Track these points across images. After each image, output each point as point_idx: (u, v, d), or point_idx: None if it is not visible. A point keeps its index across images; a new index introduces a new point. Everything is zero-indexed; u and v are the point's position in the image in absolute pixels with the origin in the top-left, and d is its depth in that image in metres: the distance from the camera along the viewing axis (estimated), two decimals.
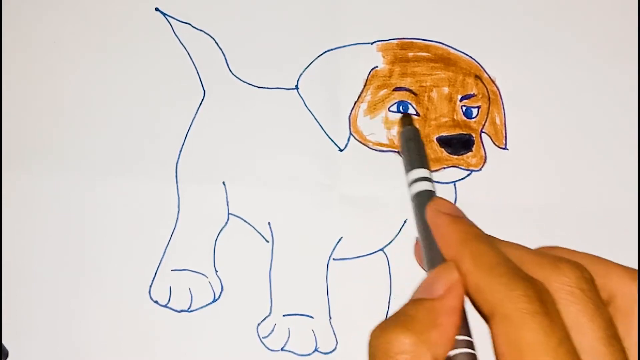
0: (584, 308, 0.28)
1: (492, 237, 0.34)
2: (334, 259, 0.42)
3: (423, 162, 0.37)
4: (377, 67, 0.43)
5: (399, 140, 0.39)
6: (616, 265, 0.31)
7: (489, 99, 0.43)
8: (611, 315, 0.29)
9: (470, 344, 0.31)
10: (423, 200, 0.34)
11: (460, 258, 0.32)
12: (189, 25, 0.45)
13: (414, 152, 0.37)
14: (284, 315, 0.42)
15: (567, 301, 0.29)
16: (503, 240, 0.34)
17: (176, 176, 0.43)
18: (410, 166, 0.36)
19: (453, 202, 0.42)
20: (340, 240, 0.42)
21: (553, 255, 0.31)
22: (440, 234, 0.33)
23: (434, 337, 0.30)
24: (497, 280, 0.29)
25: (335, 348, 0.42)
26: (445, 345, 0.30)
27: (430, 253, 0.33)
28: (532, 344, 0.27)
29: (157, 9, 0.45)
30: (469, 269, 0.31)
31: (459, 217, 0.34)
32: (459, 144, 0.41)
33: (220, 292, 0.42)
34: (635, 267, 0.33)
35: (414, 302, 0.32)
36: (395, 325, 0.30)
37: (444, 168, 0.42)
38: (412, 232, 0.43)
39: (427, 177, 0.35)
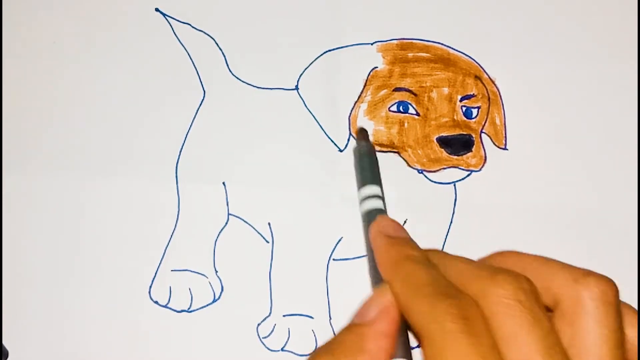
0: (521, 320, 0.28)
1: (435, 253, 0.34)
2: (334, 259, 0.42)
3: (375, 179, 0.36)
4: (377, 67, 0.43)
5: (354, 155, 0.38)
6: (563, 266, 0.31)
7: (488, 99, 0.43)
8: (552, 325, 0.28)
9: None
10: (371, 218, 0.34)
11: (393, 280, 0.31)
12: (189, 26, 0.45)
13: (366, 169, 0.36)
14: (284, 316, 0.42)
15: (504, 314, 0.28)
16: (448, 255, 0.34)
17: (176, 176, 0.43)
18: (361, 183, 0.35)
19: (453, 202, 0.43)
20: (340, 240, 0.43)
21: (492, 267, 0.31)
22: (378, 256, 0.33)
23: None
24: (422, 301, 0.29)
25: None
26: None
27: (373, 273, 0.33)
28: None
29: (157, 9, 0.45)
30: (399, 291, 0.31)
31: (397, 238, 0.33)
32: (459, 144, 0.42)
33: (220, 292, 0.42)
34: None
35: (347, 327, 0.32)
36: (325, 352, 0.30)
37: (444, 168, 0.42)
38: (412, 232, 0.43)
39: (378, 195, 0.34)
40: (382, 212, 0.34)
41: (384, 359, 0.31)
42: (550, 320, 0.28)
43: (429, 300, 0.28)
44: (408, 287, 0.30)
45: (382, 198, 0.34)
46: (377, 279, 0.33)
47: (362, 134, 0.39)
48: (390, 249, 0.32)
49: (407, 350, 0.31)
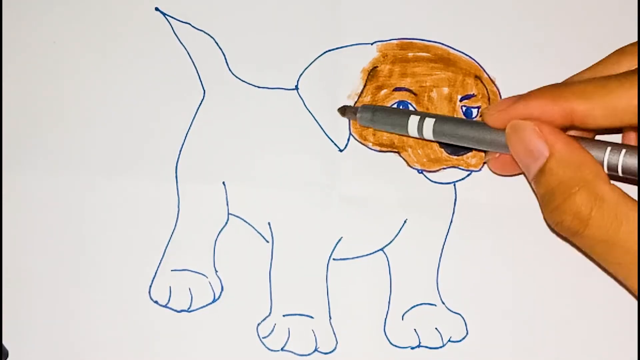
0: None
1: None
2: (334, 259, 0.43)
3: (403, 111, 0.41)
4: (377, 67, 0.43)
5: (361, 119, 0.42)
6: None
7: (488, 99, 0.43)
8: None
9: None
10: (444, 122, 0.39)
11: (568, 99, 0.34)
12: (189, 25, 0.45)
13: (390, 111, 0.41)
14: (284, 315, 0.42)
15: None
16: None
17: (176, 176, 0.43)
18: (405, 117, 0.40)
19: (452, 202, 0.43)
20: (340, 240, 0.43)
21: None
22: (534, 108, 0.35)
23: (593, 169, 0.33)
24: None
25: (335, 348, 0.42)
26: (598, 168, 0.33)
27: (487, 136, 0.37)
28: None
29: (157, 9, 0.45)
30: (590, 107, 0.33)
31: (515, 99, 0.36)
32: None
33: (220, 292, 0.42)
34: None
35: (541, 175, 0.34)
36: (561, 200, 0.33)
37: (444, 168, 0.42)
38: (412, 232, 0.44)
39: (421, 112, 0.40)
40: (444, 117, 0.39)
41: (586, 155, 0.34)
42: None
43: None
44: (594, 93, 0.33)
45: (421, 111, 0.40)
46: (493, 138, 0.37)
47: (349, 109, 0.42)
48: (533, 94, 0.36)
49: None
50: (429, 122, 0.39)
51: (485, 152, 0.41)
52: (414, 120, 0.39)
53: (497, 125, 0.37)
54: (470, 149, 0.41)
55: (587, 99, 0.33)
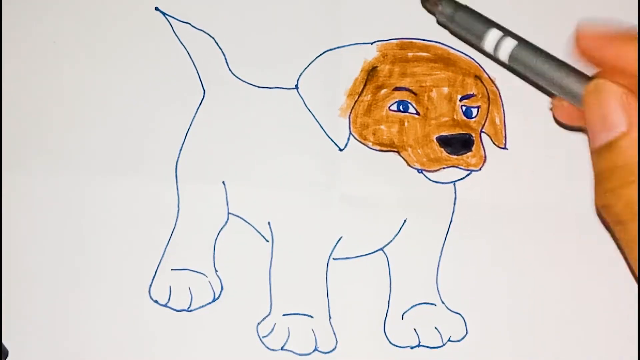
0: None
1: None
2: (334, 259, 0.43)
3: (490, 20, 0.36)
4: (377, 67, 0.43)
5: (440, 16, 0.38)
6: None
7: (488, 99, 0.43)
8: None
9: None
10: (526, 49, 0.34)
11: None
12: (189, 25, 0.45)
13: (473, 15, 0.37)
14: (283, 315, 0.42)
15: None
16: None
17: (176, 176, 0.43)
18: (485, 27, 0.36)
19: (452, 202, 0.43)
20: (340, 240, 0.43)
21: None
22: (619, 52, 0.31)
23: None
24: None
25: (335, 348, 0.42)
26: None
27: (574, 77, 0.33)
28: None
29: (157, 9, 0.45)
30: None
31: (614, 37, 0.32)
32: (459, 144, 0.42)
33: (220, 292, 0.42)
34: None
35: (601, 154, 0.31)
36: (623, 177, 0.30)
37: (444, 168, 0.42)
38: (412, 231, 0.44)
39: (505, 29, 0.35)
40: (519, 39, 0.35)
41: None
42: None
43: None
44: None
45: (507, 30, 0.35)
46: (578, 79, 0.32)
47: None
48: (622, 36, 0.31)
49: None
50: (509, 43, 0.35)
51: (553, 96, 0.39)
52: (494, 34, 0.36)
53: (581, 57, 0.33)
54: (470, 149, 0.41)
55: None
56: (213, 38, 0.45)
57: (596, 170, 0.32)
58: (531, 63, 0.34)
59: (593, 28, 0.33)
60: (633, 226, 0.30)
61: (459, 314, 0.42)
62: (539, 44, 0.44)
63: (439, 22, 0.38)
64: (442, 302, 0.42)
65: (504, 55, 0.35)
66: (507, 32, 0.35)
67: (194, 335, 0.42)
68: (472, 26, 0.36)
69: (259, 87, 0.44)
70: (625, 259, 0.37)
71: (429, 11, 0.39)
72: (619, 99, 0.30)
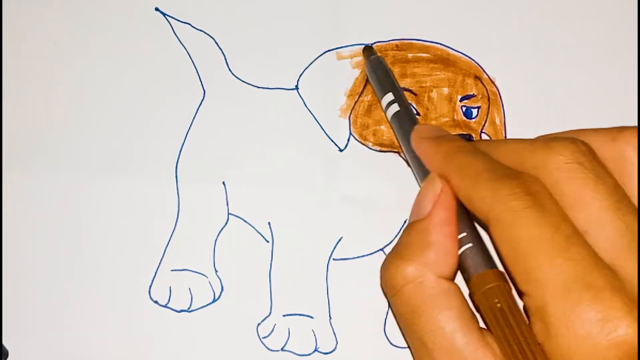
0: (585, 181, 0.28)
1: (481, 142, 0.35)
2: (334, 259, 0.43)
3: (393, 86, 0.40)
4: None
5: (366, 70, 0.42)
6: (595, 130, 0.31)
7: (488, 99, 0.43)
8: (615, 180, 0.28)
9: (471, 236, 0.31)
10: (402, 121, 0.39)
11: (448, 174, 0.32)
12: (189, 25, 0.45)
13: (382, 78, 0.41)
14: (284, 315, 0.42)
15: (567, 178, 0.28)
16: (495, 141, 0.35)
17: (176, 176, 0.43)
18: (382, 91, 0.40)
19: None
20: (340, 240, 0.43)
21: (544, 138, 0.31)
22: (426, 159, 0.34)
23: (431, 258, 0.31)
24: (483, 187, 0.29)
25: (335, 348, 0.42)
26: (446, 259, 0.31)
27: (418, 169, 0.37)
28: (526, 240, 0.27)
29: (157, 9, 0.45)
30: (457, 184, 0.31)
31: (440, 137, 0.34)
32: None
33: (220, 292, 0.42)
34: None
35: (408, 227, 0.33)
36: (394, 257, 0.31)
37: None
38: None
39: (400, 98, 0.39)
40: (407, 112, 0.39)
41: (451, 246, 0.32)
42: (612, 176, 0.28)
43: (490, 185, 0.29)
44: (466, 177, 0.30)
45: (404, 100, 0.40)
46: (421, 173, 0.36)
47: (369, 50, 0.43)
48: (438, 146, 0.34)
49: (470, 220, 0.32)
50: (393, 109, 0.39)
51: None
52: (388, 97, 0.40)
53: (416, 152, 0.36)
54: None
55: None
56: (213, 38, 0.45)
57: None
58: (400, 131, 0.39)
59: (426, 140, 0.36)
60: (396, 300, 0.32)
61: None
62: (539, 43, 0.44)
63: (365, 69, 0.42)
64: None
65: (389, 116, 0.40)
66: (398, 99, 0.39)
67: (194, 336, 0.42)
68: (380, 84, 0.41)
69: (259, 87, 0.44)
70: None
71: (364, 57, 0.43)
72: (434, 191, 0.32)
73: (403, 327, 0.32)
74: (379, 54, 0.42)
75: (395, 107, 0.39)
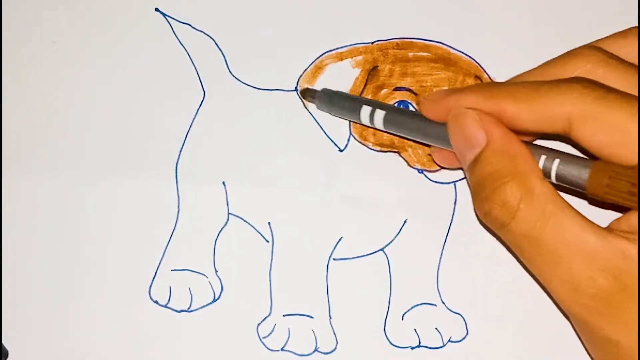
0: (624, 67, 0.33)
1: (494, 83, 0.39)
2: (334, 259, 0.43)
3: (358, 98, 0.42)
4: (377, 67, 0.43)
5: (321, 109, 0.43)
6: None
7: None
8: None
9: (550, 153, 0.33)
10: (396, 114, 0.39)
11: (496, 104, 0.34)
12: (189, 26, 0.45)
13: (344, 102, 0.41)
14: (284, 315, 0.42)
15: (606, 72, 0.33)
16: (513, 79, 0.38)
17: (176, 176, 0.43)
18: (356, 110, 0.40)
19: (453, 202, 0.43)
20: (340, 240, 0.43)
21: (563, 55, 0.36)
22: (461, 104, 0.35)
23: (522, 166, 0.32)
24: (551, 94, 0.32)
25: (335, 348, 0.42)
26: (534, 164, 0.33)
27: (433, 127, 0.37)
28: (621, 119, 0.30)
29: (157, 9, 0.45)
30: (512, 108, 0.33)
31: (454, 89, 0.36)
32: None
33: (220, 292, 0.42)
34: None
35: (472, 164, 0.34)
36: (491, 189, 0.32)
37: (444, 168, 0.42)
38: (412, 232, 0.44)
39: (375, 102, 0.41)
40: (394, 106, 0.40)
41: (528, 152, 0.33)
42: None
43: (557, 91, 0.31)
44: (521, 99, 0.32)
45: (377, 102, 0.41)
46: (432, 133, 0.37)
47: (307, 92, 0.43)
48: (465, 91, 0.35)
49: (542, 148, 0.34)
50: (380, 114, 0.39)
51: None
52: (366, 110, 0.40)
53: (431, 116, 0.36)
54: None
55: (516, 102, 0.32)
56: (213, 39, 0.45)
57: (471, 186, 0.34)
58: (403, 124, 0.38)
59: (428, 96, 0.37)
60: (514, 224, 0.32)
61: (460, 314, 0.42)
62: (539, 43, 0.44)
63: (318, 108, 0.43)
64: (443, 303, 0.42)
65: (379, 123, 0.39)
66: (375, 105, 0.40)
67: (194, 336, 0.42)
68: (347, 107, 0.41)
69: (259, 88, 0.44)
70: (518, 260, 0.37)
71: (310, 101, 0.43)
72: (474, 119, 0.33)
73: (528, 246, 0.32)
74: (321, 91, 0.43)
75: (380, 113, 0.39)
